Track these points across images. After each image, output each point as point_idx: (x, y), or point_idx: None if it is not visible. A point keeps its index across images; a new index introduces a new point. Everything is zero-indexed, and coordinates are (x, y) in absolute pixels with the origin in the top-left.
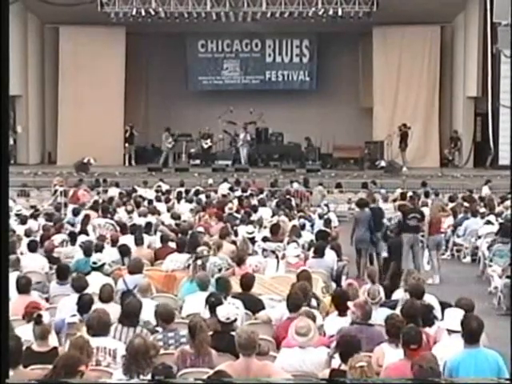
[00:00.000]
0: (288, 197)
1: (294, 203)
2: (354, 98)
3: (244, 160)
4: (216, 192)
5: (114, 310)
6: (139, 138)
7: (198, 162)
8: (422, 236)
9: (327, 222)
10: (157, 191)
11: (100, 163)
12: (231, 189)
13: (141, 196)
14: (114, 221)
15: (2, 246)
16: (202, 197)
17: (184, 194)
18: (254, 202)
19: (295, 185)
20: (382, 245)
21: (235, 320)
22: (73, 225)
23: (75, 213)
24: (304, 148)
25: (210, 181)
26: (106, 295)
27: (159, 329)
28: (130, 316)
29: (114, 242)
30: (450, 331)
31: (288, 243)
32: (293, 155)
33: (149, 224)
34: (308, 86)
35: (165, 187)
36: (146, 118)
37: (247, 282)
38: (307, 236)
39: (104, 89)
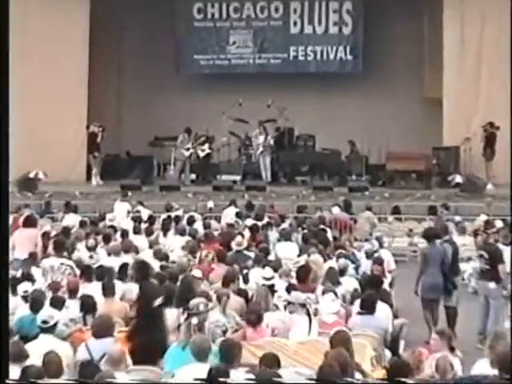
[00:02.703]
0: (322, 227)
1: (330, 236)
2: (416, 84)
3: (266, 174)
4: (219, 220)
5: None
6: (109, 141)
7: (193, 176)
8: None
9: (379, 263)
10: (134, 219)
11: (53, 179)
12: (240, 215)
13: (112, 226)
14: (72, 261)
15: (1, 247)
16: (199, 227)
17: (173, 223)
18: (274, 234)
19: (335, 209)
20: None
21: None
22: (15, 267)
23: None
24: (345, 157)
25: (210, 204)
26: (52, 368)
27: None
28: None
29: (72, 292)
30: None
31: (323, 293)
32: (329, 167)
33: (123, 266)
34: (351, 68)
35: (146, 213)
36: (118, 114)
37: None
38: (350, 283)
39: (60, 72)
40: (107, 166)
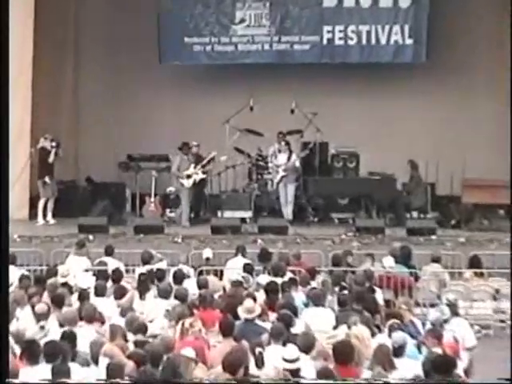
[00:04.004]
0: (369, 286)
1: (380, 299)
2: (504, 82)
3: (289, 210)
4: (220, 276)
5: None
6: (63, 163)
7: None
8: None
9: (438, 336)
10: (98, 275)
11: None
12: (250, 270)
13: (65, 284)
14: (10, 335)
15: (2, 248)
16: (190, 286)
17: (154, 281)
18: (299, 296)
19: (387, 261)
20: None
21: None
22: None
23: None
24: (402, 185)
25: (208, 253)
26: None
27: None
28: None
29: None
30: None
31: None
32: (379, 200)
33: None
34: (410, 57)
35: (114, 266)
36: (74, 123)
37: None
38: (409, 367)
39: None
40: (60, 197)
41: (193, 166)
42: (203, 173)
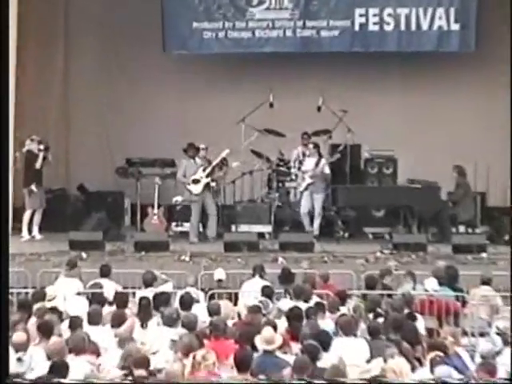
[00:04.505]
0: (408, 312)
1: (422, 328)
2: None
3: (315, 223)
4: (235, 301)
5: None
6: (51, 169)
7: (189, 227)
8: None
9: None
10: (92, 299)
11: None
12: (269, 293)
13: (54, 309)
14: None
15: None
16: (200, 312)
17: (158, 306)
18: (328, 324)
19: (430, 283)
20: None
21: None
22: None
23: None
24: (448, 194)
25: (220, 274)
26: None
27: None
28: None
29: None
30: None
31: None
32: (420, 212)
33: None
34: (457, 45)
35: (111, 289)
36: (64, 122)
37: None
38: None
39: None
40: (48, 208)
41: (201, 169)
42: (212, 180)
